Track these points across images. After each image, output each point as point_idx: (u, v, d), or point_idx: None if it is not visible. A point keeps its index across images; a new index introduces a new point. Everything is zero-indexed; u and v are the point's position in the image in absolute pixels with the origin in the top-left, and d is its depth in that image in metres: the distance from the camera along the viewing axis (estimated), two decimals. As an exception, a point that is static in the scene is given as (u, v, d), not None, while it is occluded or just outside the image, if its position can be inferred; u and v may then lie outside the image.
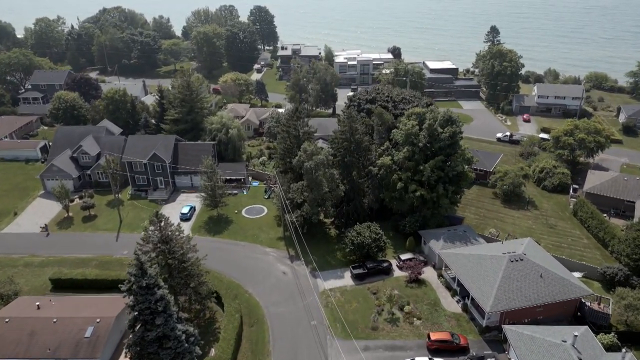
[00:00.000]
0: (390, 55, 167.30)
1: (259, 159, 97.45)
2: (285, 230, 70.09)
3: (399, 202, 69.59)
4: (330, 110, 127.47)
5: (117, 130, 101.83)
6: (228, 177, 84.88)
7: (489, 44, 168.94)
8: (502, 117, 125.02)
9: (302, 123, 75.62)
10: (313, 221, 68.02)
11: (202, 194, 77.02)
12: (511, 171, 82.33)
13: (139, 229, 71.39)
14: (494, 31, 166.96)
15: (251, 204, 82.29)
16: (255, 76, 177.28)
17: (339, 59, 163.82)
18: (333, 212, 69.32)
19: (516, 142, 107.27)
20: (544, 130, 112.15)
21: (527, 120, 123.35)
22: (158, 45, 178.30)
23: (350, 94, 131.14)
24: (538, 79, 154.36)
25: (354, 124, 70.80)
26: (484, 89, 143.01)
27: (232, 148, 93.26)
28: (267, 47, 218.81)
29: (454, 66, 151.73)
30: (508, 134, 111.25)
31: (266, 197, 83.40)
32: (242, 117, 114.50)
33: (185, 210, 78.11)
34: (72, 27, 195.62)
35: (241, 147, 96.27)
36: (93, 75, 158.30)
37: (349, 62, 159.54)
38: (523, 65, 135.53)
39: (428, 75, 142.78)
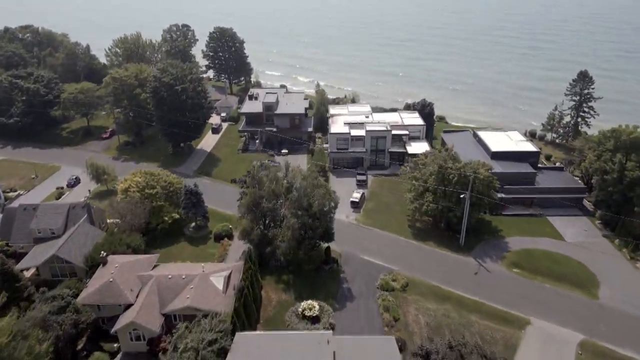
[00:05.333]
0: (416, 116, 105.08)
1: None
2: None
3: None
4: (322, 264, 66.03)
5: None
6: None
7: (575, 99, 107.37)
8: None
9: None
10: None
11: None
12: None
13: None
14: (583, 79, 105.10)
15: None
16: (208, 141, 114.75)
17: (337, 125, 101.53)
18: None
19: None
20: None
21: None
22: (57, 92, 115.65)
23: (357, 195, 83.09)
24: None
25: None
26: (591, 196, 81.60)
27: None
28: (237, 81, 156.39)
29: (532, 147, 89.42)
30: None
31: None
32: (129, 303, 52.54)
33: None
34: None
35: None
36: None
37: (352, 132, 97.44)
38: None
39: (494, 167, 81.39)
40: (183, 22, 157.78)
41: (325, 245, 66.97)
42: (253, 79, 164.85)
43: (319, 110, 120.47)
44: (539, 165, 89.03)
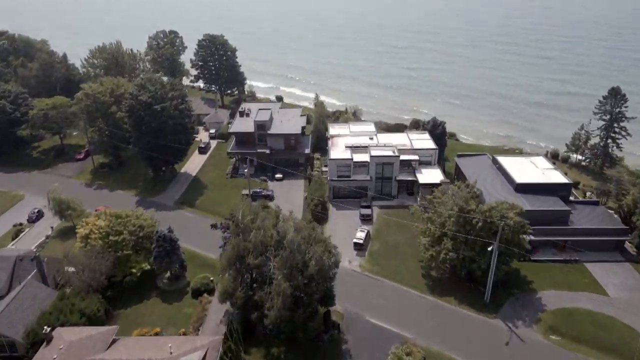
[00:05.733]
0: (426, 137, 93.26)
1: None
2: None
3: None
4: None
5: None
6: None
7: (605, 118, 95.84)
8: None
9: None
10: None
11: None
12: None
13: None
14: (615, 97, 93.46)
15: None
16: (194, 162, 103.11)
17: (337, 149, 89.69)
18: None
19: None
20: None
21: None
22: (25, 109, 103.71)
23: (361, 234, 72.57)
24: None
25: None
26: (633, 237, 69.78)
27: None
28: (229, 92, 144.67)
29: (562, 178, 77.50)
30: None
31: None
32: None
33: None
34: None
35: None
36: None
37: (354, 157, 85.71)
38: None
39: (520, 202, 69.79)
40: (170, 29, 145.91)
41: (325, 309, 55.32)
42: (247, 89, 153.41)
43: (317, 128, 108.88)
44: (571, 198, 77.29)
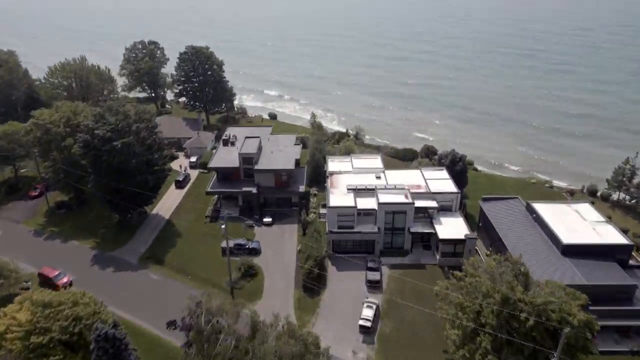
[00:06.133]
0: (444, 175, 77.73)
1: None
2: None
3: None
4: None
5: None
6: None
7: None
8: None
9: None
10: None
11: None
12: None
13: None
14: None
15: None
16: (169, 200, 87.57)
17: (338, 191, 73.83)
18: None
19: None
20: None
21: None
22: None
23: (369, 313, 57.57)
24: None
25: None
26: None
27: None
28: (216, 110, 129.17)
29: (620, 236, 61.84)
30: None
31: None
32: None
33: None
34: None
35: None
36: None
37: (359, 204, 70.05)
38: None
39: (571, 272, 54.77)
40: (150, 39, 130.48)
41: None
42: (237, 105, 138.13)
43: (314, 157, 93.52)
44: (631, 262, 61.86)
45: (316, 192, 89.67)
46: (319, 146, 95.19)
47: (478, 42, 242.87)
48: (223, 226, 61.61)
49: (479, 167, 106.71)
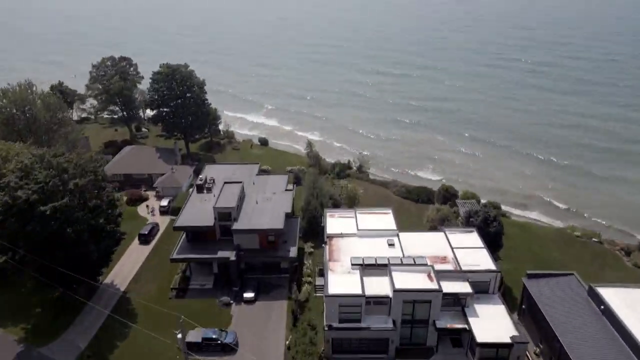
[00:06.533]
0: (475, 240, 60.47)
1: None
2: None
3: None
4: None
5: None
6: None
7: None
8: None
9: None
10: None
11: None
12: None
13: None
14: None
15: None
16: (128, 261, 70.26)
17: (339, 269, 55.87)
18: None
19: None
20: None
21: None
22: None
23: None
24: None
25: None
26: None
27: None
28: (197, 138, 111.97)
29: None
30: None
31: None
32: None
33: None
34: None
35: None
36: None
37: (367, 289, 52.57)
38: None
39: None
40: (121, 54, 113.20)
41: None
42: (222, 129, 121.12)
43: (310, 205, 76.38)
44: None
45: (312, 250, 72.71)
46: (316, 190, 78.08)
47: (490, 55, 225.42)
48: (179, 335, 44.17)
49: (506, 208, 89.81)
